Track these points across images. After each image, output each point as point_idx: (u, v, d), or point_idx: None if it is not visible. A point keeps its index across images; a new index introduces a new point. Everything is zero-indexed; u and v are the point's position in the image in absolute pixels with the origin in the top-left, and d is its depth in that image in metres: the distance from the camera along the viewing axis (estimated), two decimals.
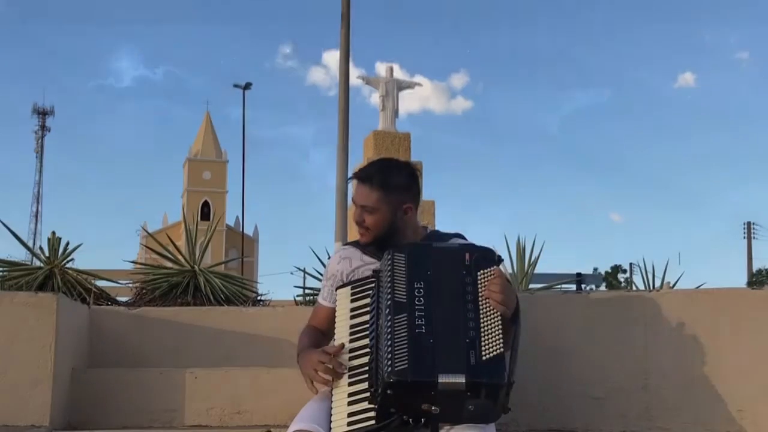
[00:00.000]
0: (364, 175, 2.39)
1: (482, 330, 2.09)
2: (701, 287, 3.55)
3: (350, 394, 2.15)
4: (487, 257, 2.24)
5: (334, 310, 2.41)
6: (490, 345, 2.07)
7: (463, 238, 2.51)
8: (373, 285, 2.29)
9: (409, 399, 2.04)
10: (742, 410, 2.81)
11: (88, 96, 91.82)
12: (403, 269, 2.20)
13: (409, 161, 2.57)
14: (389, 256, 2.24)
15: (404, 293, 2.15)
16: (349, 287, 2.39)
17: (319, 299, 2.60)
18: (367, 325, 2.23)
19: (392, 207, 2.38)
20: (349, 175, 2.52)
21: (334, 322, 2.37)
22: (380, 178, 2.37)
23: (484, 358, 2.04)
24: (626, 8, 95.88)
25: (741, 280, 35.98)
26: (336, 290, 2.44)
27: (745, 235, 38.95)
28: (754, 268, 38.85)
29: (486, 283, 2.17)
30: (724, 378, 2.83)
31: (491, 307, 2.14)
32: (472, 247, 2.28)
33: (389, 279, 2.18)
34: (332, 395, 2.20)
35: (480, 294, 2.16)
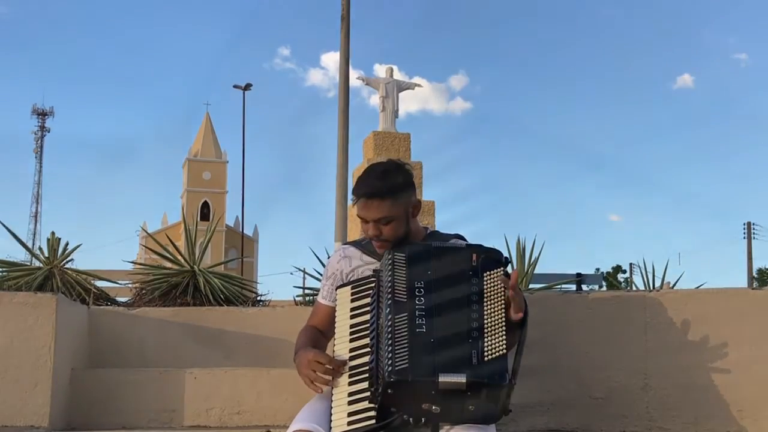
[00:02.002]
0: (369, 192, 2.34)
1: (486, 331, 2.09)
2: (701, 287, 3.54)
3: (350, 394, 2.15)
4: (495, 258, 2.23)
5: (333, 309, 2.41)
6: (493, 346, 2.06)
7: (463, 239, 2.51)
8: (373, 284, 2.29)
9: (409, 398, 2.04)
10: (742, 410, 2.81)
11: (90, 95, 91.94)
12: (404, 269, 2.20)
13: (396, 159, 2.56)
14: (389, 256, 2.24)
15: (405, 293, 2.15)
16: (349, 286, 2.39)
17: (319, 298, 2.60)
18: (368, 325, 2.23)
19: (404, 209, 2.37)
20: (349, 192, 2.50)
21: (334, 321, 2.37)
22: (385, 186, 2.34)
23: (486, 358, 2.04)
24: (626, 8, 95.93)
25: (741, 280, 35.96)
26: (336, 289, 2.44)
27: (745, 235, 38.92)
28: (755, 268, 38.85)
29: (492, 284, 2.16)
30: (724, 378, 2.83)
31: (496, 308, 2.13)
32: (480, 248, 2.26)
33: (389, 278, 2.18)
34: (332, 395, 2.20)
35: (485, 295, 2.15)
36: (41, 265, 5.36)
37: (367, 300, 2.29)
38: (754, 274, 37.65)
